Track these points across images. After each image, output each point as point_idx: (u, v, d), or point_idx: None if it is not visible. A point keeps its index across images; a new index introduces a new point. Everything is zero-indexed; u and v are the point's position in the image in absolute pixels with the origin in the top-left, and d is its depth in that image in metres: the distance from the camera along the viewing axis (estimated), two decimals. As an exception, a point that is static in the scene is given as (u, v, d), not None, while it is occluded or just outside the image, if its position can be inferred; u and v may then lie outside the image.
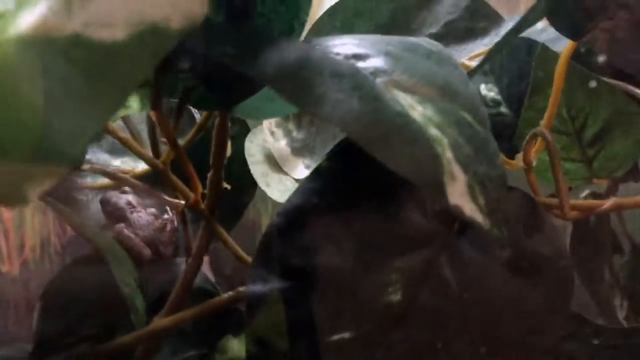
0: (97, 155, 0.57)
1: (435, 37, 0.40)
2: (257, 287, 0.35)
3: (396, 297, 0.35)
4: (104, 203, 0.52)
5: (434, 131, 0.26)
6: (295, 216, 0.36)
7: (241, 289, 0.39)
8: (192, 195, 0.39)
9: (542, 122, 0.39)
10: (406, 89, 0.27)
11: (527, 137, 0.38)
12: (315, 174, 0.37)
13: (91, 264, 0.45)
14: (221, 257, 0.85)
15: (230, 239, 0.40)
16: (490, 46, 0.40)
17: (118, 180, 0.41)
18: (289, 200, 0.37)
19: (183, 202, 0.39)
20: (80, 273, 0.45)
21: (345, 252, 0.35)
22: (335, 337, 0.35)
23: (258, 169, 0.42)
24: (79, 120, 0.23)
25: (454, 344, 0.36)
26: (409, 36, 0.38)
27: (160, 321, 0.39)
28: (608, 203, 0.38)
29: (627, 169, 0.57)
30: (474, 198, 0.25)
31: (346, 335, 0.35)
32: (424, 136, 0.26)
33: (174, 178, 0.39)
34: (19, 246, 0.86)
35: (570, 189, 0.52)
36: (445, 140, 0.26)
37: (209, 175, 0.38)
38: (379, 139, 0.25)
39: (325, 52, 0.28)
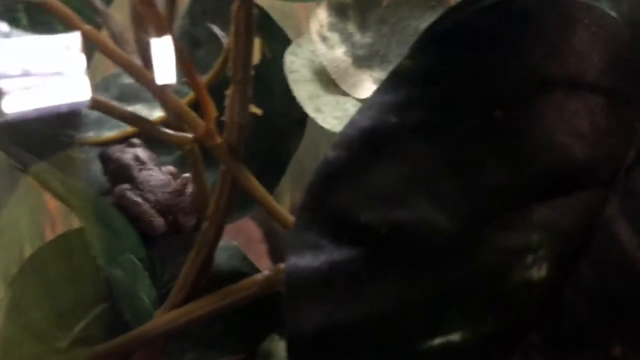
0: (102, 104, 0.45)
1: None
2: (303, 260, 0.21)
3: (538, 272, 0.21)
4: (105, 160, 0.39)
5: None
6: (362, 146, 0.22)
7: (281, 265, 0.25)
8: (202, 123, 0.25)
9: None
10: None
11: None
12: (393, 80, 0.23)
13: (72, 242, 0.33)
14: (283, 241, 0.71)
15: (265, 192, 0.26)
16: None
17: (138, 124, 0.28)
18: (351, 123, 0.23)
19: (190, 135, 0.26)
20: (58, 254, 0.32)
21: (448, 199, 0.21)
22: (437, 340, 0.21)
23: (304, 90, 0.28)
24: None
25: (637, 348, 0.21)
26: None
27: (163, 316, 0.26)
28: None
29: None
30: None
31: (454, 337, 0.21)
32: None
33: (174, 98, 0.25)
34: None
35: None
36: None
37: (228, 91, 0.25)
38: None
39: None
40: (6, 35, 0.34)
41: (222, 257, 0.32)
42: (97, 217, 0.31)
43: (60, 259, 0.35)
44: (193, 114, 0.26)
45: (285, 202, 0.52)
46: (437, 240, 0.21)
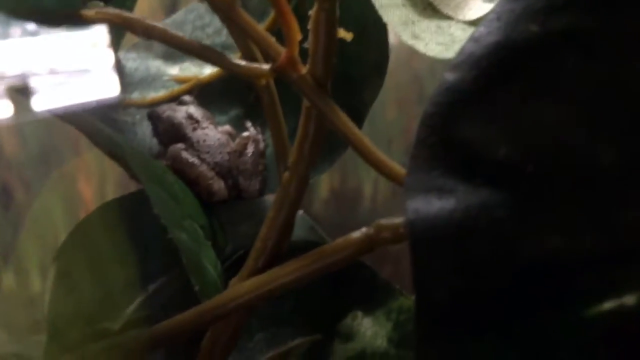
0: (147, 63, 0.40)
1: None
2: (429, 206, 0.17)
3: None
4: (155, 119, 0.35)
5: None
6: (494, 64, 0.18)
7: (383, 221, 0.20)
8: (282, 50, 0.21)
9: None
10: None
11: None
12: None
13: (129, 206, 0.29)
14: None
15: (360, 133, 0.21)
16: None
17: (207, 57, 0.23)
18: (474, 40, 0.18)
19: (268, 66, 0.21)
20: (108, 221, 0.28)
21: (615, 128, 0.17)
22: (608, 304, 0.16)
23: (396, 16, 0.24)
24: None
25: None
26: None
27: (242, 285, 0.21)
28: None
29: None
30: None
31: (629, 300, 0.16)
32: None
33: (251, 20, 0.21)
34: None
35: None
36: None
37: (311, 12, 0.20)
38: None
39: None
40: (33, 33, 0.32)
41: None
42: (155, 179, 0.27)
43: (106, 230, 0.31)
44: (271, 39, 0.21)
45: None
46: (602, 179, 0.17)
